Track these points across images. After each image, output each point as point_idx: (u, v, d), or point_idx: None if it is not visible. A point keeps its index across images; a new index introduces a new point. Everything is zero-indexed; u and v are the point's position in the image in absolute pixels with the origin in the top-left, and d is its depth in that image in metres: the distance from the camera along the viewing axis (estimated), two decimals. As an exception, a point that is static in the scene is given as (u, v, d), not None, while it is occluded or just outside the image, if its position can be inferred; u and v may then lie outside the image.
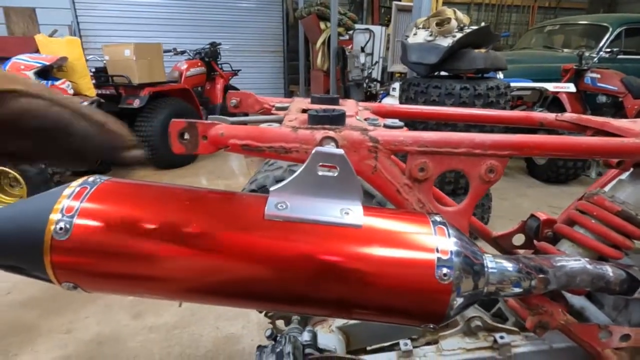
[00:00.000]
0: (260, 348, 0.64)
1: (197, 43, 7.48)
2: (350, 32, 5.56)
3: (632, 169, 0.67)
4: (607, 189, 0.69)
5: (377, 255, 0.38)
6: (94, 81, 3.69)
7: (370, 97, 5.23)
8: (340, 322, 0.79)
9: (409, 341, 0.70)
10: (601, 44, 5.43)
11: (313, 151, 0.39)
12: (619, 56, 5.28)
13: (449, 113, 0.84)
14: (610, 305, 0.76)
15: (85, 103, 3.11)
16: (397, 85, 3.04)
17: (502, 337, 0.67)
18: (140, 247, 0.38)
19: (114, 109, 3.95)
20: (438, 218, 0.42)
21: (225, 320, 1.84)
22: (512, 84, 3.58)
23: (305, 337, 0.66)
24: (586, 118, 0.70)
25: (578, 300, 0.77)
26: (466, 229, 0.52)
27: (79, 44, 3.37)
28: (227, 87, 5.59)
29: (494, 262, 0.44)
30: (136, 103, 3.86)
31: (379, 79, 5.61)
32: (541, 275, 0.47)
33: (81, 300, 2.01)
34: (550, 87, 3.56)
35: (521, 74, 5.13)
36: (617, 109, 4.24)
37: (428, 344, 0.71)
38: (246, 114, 0.74)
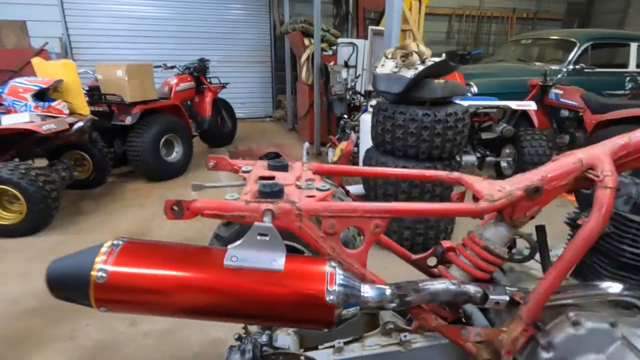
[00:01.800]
0: (230, 347, 0.89)
1: (188, 54, 7.73)
2: (334, 47, 5.83)
3: (496, 215, 0.94)
4: (482, 228, 0.96)
5: (291, 287, 0.64)
6: (87, 99, 3.89)
7: (354, 108, 5.50)
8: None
9: (342, 340, 0.96)
10: (569, 59, 5.80)
11: (253, 225, 0.65)
12: (587, 70, 5.65)
13: (375, 172, 1.10)
14: (493, 312, 1.03)
15: (81, 123, 3.32)
16: (374, 102, 3.30)
17: (405, 336, 0.93)
18: (150, 286, 0.63)
19: (106, 125, 4.17)
20: (333, 263, 0.68)
21: (210, 327, 2.08)
22: (478, 103, 3.89)
23: (264, 338, 0.92)
24: (464, 179, 0.96)
25: (471, 308, 1.04)
26: (364, 264, 0.79)
27: (74, 67, 3.58)
28: (216, 100, 5.83)
29: (369, 289, 0.71)
30: (128, 120, 4.07)
31: (362, 92, 5.88)
32: (403, 296, 0.74)
33: (81, 310, 2.22)
34: (513, 104, 3.86)
35: (496, 87, 5.46)
36: (578, 123, 4.59)
37: (355, 341, 0.97)
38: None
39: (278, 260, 0.66)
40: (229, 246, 0.65)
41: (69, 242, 3.03)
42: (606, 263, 0.89)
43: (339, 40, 5.71)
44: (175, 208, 0.72)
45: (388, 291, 0.74)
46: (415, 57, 2.53)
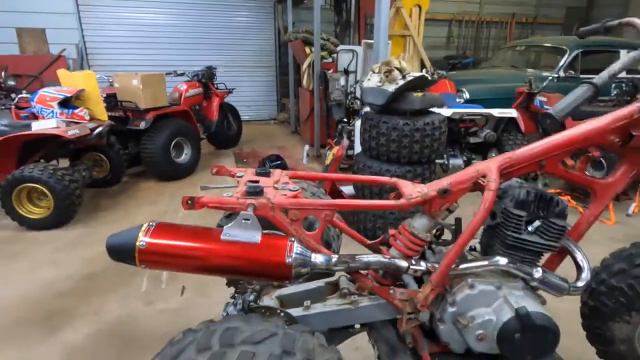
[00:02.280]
0: (227, 303, 1.25)
1: (196, 60, 8.15)
2: (334, 55, 6.16)
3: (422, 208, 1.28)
4: (412, 219, 1.29)
5: (264, 253, 0.99)
6: (105, 104, 4.27)
7: (354, 112, 5.83)
8: (277, 293, 1.39)
9: (309, 301, 1.31)
10: (559, 65, 6.07)
11: (240, 214, 1.01)
12: (575, 76, 5.93)
13: (335, 177, 1.45)
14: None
15: (101, 128, 3.70)
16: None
17: (354, 297, 1.27)
18: (173, 251, 0.99)
19: (122, 129, 4.55)
20: (293, 239, 1.03)
21: (218, 306, 2.44)
22: (463, 110, 4.21)
23: (251, 297, 1.27)
24: (398, 183, 1.29)
25: (407, 278, 1.37)
26: (318, 241, 1.14)
27: (94, 77, 3.96)
28: (222, 105, 6.21)
29: (319, 256, 1.06)
30: (142, 125, 4.46)
31: (360, 97, 6.20)
32: (344, 262, 1.09)
33: (104, 291, 2.61)
34: (496, 112, 4.17)
35: (487, 93, 5.76)
36: (562, 128, 4.86)
37: (319, 302, 1.31)
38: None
39: (256, 236, 1.01)
40: (224, 226, 1.01)
41: (90, 235, 3.42)
42: (499, 244, 1.22)
43: (339, 47, 6.03)
44: (189, 202, 1.07)
45: (334, 259, 1.08)
46: (396, 73, 2.86)
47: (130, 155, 4.82)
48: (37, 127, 3.53)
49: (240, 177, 1.29)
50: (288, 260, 1.00)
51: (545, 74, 6.11)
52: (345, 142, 3.63)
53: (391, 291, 1.19)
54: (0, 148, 3.47)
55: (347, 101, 5.70)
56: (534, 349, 1.11)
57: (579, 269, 1.20)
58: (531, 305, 1.11)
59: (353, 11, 7.93)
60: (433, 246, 1.39)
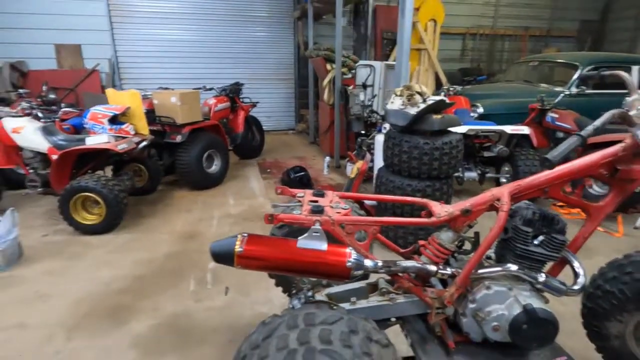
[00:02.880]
0: (291, 296, 1.57)
1: (220, 72, 8.62)
2: (353, 70, 6.51)
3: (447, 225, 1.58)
4: (440, 233, 1.60)
5: (330, 258, 1.32)
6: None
7: (371, 125, 6.15)
8: (327, 291, 1.71)
9: (355, 298, 1.62)
10: (571, 81, 6.29)
11: (310, 227, 1.33)
12: (588, 91, 6.14)
13: (373, 197, 1.76)
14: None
15: (145, 142, 4.08)
16: (387, 126, 3.93)
17: (392, 296, 1.58)
18: (262, 255, 1.32)
19: (159, 142, 4.95)
20: (351, 249, 1.35)
21: (258, 305, 2.76)
22: (477, 127, 4.49)
23: (309, 294, 1.58)
24: (428, 203, 1.60)
25: (434, 281, 1.68)
26: (367, 249, 1.45)
27: (139, 95, 4.36)
28: (247, 118, 6.60)
29: (369, 262, 1.37)
30: (178, 139, 4.85)
31: (378, 110, 6.52)
32: (387, 267, 1.40)
33: (158, 290, 2.95)
34: (508, 129, 4.44)
35: (500, 108, 6.01)
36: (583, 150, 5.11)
37: (363, 299, 1.62)
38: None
39: (323, 245, 1.33)
40: (299, 238, 1.33)
41: (137, 240, 3.79)
42: (510, 254, 1.51)
43: (358, 63, 6.37)
44: (270, 218, 1.40)
45: (379, 263, 1.40)
46: (417, 97, 3.18)
47: (165, 166, 5.21)
48: (91, 142, 3.93)
49: (302, 197, 1.61)
50: (348, 264, 1.31)
51: (557, 89, 6.32)
52: (368, 157, 3.94)
53: (424, 291, 1.50)
54: (60, 162, 3.88)
55: (365, 114, 6.02)
56: (538, 338, 1.40)
57: (575, 275, 1.49)
58: (536, 303, 1.41)
59: (370, 26, 8.27)
60: (455, 255, 1.69)
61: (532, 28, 11.07)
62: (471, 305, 1.48)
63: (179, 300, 2.85)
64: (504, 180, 4.93)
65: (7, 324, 2.56)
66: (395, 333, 1.71)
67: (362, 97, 5.93)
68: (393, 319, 1.66)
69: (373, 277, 1.73)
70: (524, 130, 4.47)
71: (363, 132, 5.88)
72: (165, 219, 4.34)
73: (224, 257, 1.33)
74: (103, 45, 8.29)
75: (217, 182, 5.42)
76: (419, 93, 3.24)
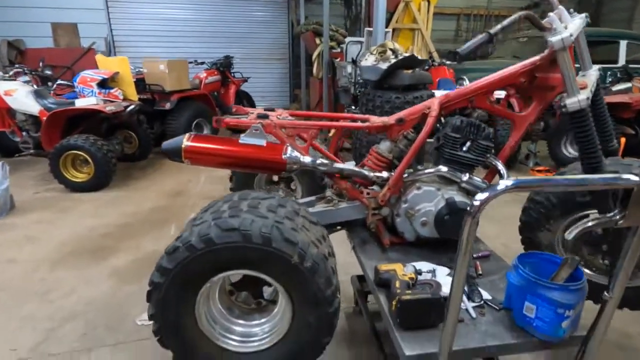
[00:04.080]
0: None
1: (215, 51, 8.69)
2: (342, 45, 6.60)
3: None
4: (380, 144, 1.74)
5: (268, 152, 1.46)
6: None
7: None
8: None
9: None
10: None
11: (252, 126, 1.48)
12: (576, 65, 6.21)
13: (319, 114, 1.90)
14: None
15: (133, 106, 4.23)
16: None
17: (337, 202, 1.73)
18: (206, 151, 1.47)
19: (149, 110, 5.10)
20: (288, 146, 1.49)
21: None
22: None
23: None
24: (369, 117, 1.74)
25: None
26: (307, 152, 1.60)
27: (127, 61, 4.50)
28: (238, 92, 6.73)
29: (307, 158, 1.52)
30: (167, 106, 5.00)
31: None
32: (324, 165, 1.55)
33: (140, 234, 3.12)
34: (487, 94, 4.54)
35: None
36: (552, 111, 5.21)
37: (311, 206, 1.77)
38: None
39: (262, 141, 1.48)
40: (241, 135, 1.48)
41: (126, 197, 3.96)
42: (442, 162, 1.65)
43: (348, 39, 6.46)
44: (217, 121, 1.55)
45: (318, 161, 1.54)
46: (389, 52, 3.30)
47: (156, 135, 5.36)
48: (80, 103, 4.09)
49: (252, 113, 1.76)
50: (284, 156, 1.46)
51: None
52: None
53: (360, 192, 1.64)
54: (50, 122, 4.04)
55: (354, 89, 6.12)
56: (459, 228, 1.54)
57: (500, 176, 1.63)
58: (458, 198, 1.55)
59: (363, 5, 8.32)
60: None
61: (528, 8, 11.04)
62: (404, 205, 1.63)
63: (159, 241, 3.02)
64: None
65: (-3, 258, 2.76)
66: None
67: (349, 69, 6.03)
68: (339, 228, 1.81)
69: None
70: (501, 94, 4.56)
71: (353, 107, 5.99)
72: (155, 180, 4.51)
73: (173, 152, 1.48)
74: (99, 24, 8.41)
75: (207, 151, 5.57)
76: (391, 50, 3.36)
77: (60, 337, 2.00)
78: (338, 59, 6.18)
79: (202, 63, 6.40)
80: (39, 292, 2.37)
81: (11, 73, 4.62)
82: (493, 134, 1.65)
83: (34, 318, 2.14)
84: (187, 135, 1.51)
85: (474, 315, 1.27)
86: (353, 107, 5.88)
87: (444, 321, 1.03)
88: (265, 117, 1.57)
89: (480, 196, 0.89)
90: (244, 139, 1.48)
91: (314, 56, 6.73)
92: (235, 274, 1.31)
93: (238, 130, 1.60)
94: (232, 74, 6.57)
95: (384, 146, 1.71)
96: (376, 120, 1.63)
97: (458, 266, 0.95)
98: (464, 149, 1.62)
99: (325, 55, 6.17)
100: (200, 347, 1.26)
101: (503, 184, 0.89)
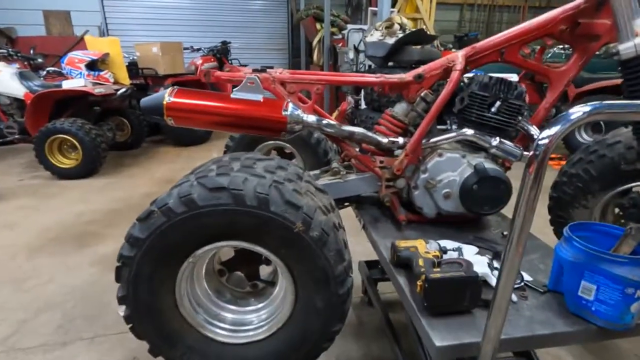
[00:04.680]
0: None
1: (212, 41, 8.42)
2: (344, 31, 6.37)
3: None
4: (395, 106, 1.52)
5: (265, 108, 1.23)
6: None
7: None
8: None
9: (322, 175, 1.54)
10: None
11: (246, 77, 1.25)
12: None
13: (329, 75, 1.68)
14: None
15: (124, 89, 4.00)
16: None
17: (344, 174, 1.50)
18: (192, 108, 1.24)
19: (142, 96, 4.86)
20: (289, 101, 1.26)
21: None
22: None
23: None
24: (384, 76, 1.51)
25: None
26: (311, 110, 1.37)
27: (118, 42, 4.27)
28: (236, 80, 6.49)
29: (311, 116, 1.29)
30: (160, 91, 4.76)
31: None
32: (332, 125, 1.32)
33: (127, 221, 2.88)
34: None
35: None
36: (563, 97, 4.99)
37: (318, 179, 1.55)
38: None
39: (259, 96, 1.25)
40: (233, 89, 1.25)
41: (115, 183, 3.73)
42: (467, 120, 1.43)
43: (350, 26, 6.22)
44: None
45: (324, 121, 1.32)
46: (396, 27, 3.07)
47: (150, 123, 5.13)
48: (67, 85, 3.85)
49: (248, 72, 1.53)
50: (284, 113, 1.23)
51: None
52: (350, 99, 3.83)
53: (372, 159, 1.42)
54: (35, 105, 3.80)
55: (356, 75, 5.89)
56: (490, 199, 1.32)
57: (532, 140, 1.41)
58: (488, 164, 1.32)
59: (365, -6, 8.08)
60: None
61: (532, -1, 10.82)
62: (423, 175, 1.40)
63: (149, 229, 2.79)
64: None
65: (-30, 245, 2.52)
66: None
67: (351, 55, 5.80)
68: (346, 204, 1.58)
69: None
70: (513, 77, 4.33)
71: (354, 95, 5.76)
72: (147, 168, 4.28)
73: (153, 109, 1.25)
74: (92, 12, 8.14)
75: (202, 140, 5.34)
76: (399, 24, 3.13)
77: (33, 330, 1.77)
78: (340, 45, 5.94)
79: (199, 50, 6.17)
80: (14, 280, 2.15)
81: (-5, 54, 4.37)
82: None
83: (4, 308, 1.91)
84: (169, 89, 1.28)
85: (514, 298, 1.05)
86: (355, 95, 5.66)
87: (492, 304, 0.80)
88: (264, 70, 1.34)
89: (549, 131, 0.66)
90: (236, 93, 1.25)
91: (314, 42, 6.49)
92: (225, 248, 1.09)
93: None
94: (230, 61, 6.33)
95: (400, 108, 1.48)
96: (392, 76, 1.40)
97: (516, 230, 0.72)
98: (493, 110, 1.40)
99: (326, 41, 5.93)
100: (182, 336, 1.03)
101: (579, 110, 0.66)
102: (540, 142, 0.68)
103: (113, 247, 2.51)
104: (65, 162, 3.83)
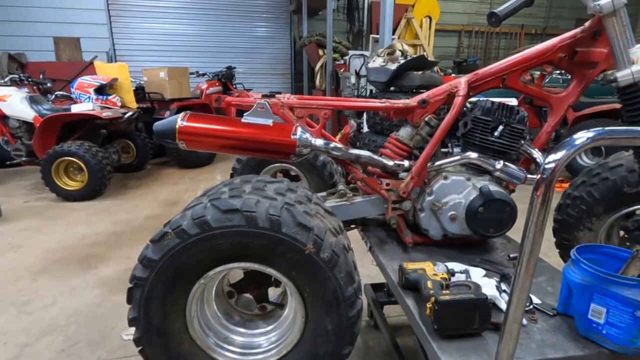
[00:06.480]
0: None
1: (217, 66, 8.63)
2: (346, 57, 6.54)
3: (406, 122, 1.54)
4: (399, 130, 1.55)
5: (275, 132, 1.27)
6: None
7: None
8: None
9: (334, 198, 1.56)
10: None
11: (256, 103, 1.29)
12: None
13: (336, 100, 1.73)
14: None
15: (131, 113, 4.08)
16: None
17: (351, 196, 1.52)
18: (204, 132, 1.27)
19: (149, 120, 4.95)
20: (298, 126, 1.30)
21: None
22: (465, 99, 4.45)
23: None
24: (388, 102, 1.56)
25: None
26: (319, 134, 1.40)
27: (127, 68, 4.39)
28: (240, 104, 6.61)
29: (319, 140, 1.32)
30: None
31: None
32: (339, 149, 1.35)
33: (131, 243, 2.90)
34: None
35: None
36: (564, 119, 5.07)
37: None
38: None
39: (268, 120, 1.29)
40: (245, 114, 1.29)
41: (120, 205, 3.75)
42: (471, 144, 1.46)
43: (351, 52, 6.39)
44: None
45: (332, 144, 1.35)
46: (398, 53, 3.16)
47: (155, 145, 5.20)
48: (76, 109, 3.93)
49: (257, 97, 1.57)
50: (293, 137, 1.27)
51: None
52: (352, 122, 3.90)
53: (378, 181, 1.44)
54: (44, 128, 3.87)
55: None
56: (495, 222, 1.33)
57: (536, 165, 1.43)
58: (493, 187, 1.35)
59: (365, 21, 8.33)
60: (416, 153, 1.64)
61: (528, 26, 11.11)
62: (428, 198, 1.42)
63: (153, 251, 2.79)
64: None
65: (-26, 267, 2.52)
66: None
67: (353, 80, 5.93)
68: (352, 226, 1.60)
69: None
70: (512, 101, 4.43)
71: (356, 118, 5.86)
72: (151, 189, 4.31)
73: (166, 133, 1.29)
74: (101, 38, 8.39)
75: (207, 162, 5.39)
76: (400, 51, 3.22)
77: (35, 354, 1.75)
78: (342, 70, 6.09)
79: (204, 74, 6.31)
80: (16, 303, 2.13)
81: (6, 79, 4.48)
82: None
83: (6, 332, 1.90)
84: (182, 113, 1.32)
85: (524, 322, 1.05)
86: (357, 118, 5.75)
87: (503, 327, 0.81)
88: (273, 96, 1.39)
89: (555, 155, 0.69)
90: (247, 118, 1.29)
91: (317, 67, 6.65)
92: (235, 270, 1.10)
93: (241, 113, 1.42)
94: (234, 86, 6.47)
95: (404, 132, 1.52)
96: (396, 101, 1.44)
97: (525, 252, 0.74)
98: (496, 134, 1.43)
99: (329, 67, 6.08)
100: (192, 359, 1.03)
101: (583, 135, 0.69)
102: (547, 166, 0.70)
103: (117, 269, 2.51)
104: (71, 184, 3.86)
